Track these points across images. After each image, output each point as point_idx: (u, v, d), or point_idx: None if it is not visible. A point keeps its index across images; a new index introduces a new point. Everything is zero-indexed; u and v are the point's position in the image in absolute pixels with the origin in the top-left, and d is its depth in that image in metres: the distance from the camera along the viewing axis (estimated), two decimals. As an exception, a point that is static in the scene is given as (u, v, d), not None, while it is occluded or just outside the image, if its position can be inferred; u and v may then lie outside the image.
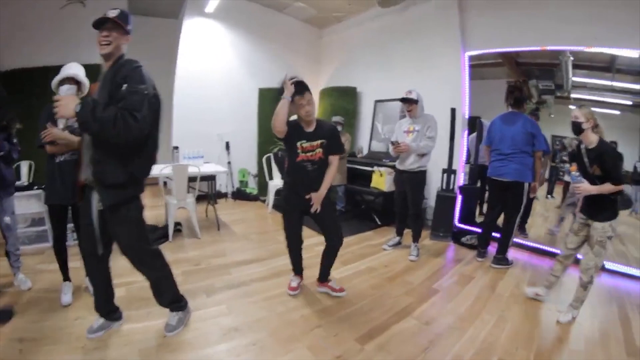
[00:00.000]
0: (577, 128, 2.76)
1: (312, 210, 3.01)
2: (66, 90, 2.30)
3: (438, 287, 3.56)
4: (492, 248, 4.30)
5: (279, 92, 2.80)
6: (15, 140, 3.05)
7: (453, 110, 5.10)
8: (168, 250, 4.01)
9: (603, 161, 2.66)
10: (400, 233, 4.67)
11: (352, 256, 4.32)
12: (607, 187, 2.65)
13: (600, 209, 2.77)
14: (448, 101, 5.29)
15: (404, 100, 4.08)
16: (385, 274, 3.82)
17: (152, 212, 5.76)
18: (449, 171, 5.24)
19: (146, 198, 6.25)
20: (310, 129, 2.99)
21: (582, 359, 2.48)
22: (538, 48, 4.46)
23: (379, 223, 5.71)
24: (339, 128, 5.64)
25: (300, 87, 2.84)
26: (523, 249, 4.72)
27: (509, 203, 4.03)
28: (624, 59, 3.83)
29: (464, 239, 4.91)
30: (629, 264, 3.98)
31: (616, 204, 2.75)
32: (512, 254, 4.29)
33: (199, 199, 5.07)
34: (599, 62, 4.04)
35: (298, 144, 2.95)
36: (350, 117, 6.71)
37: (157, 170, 4.44)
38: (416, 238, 4.38)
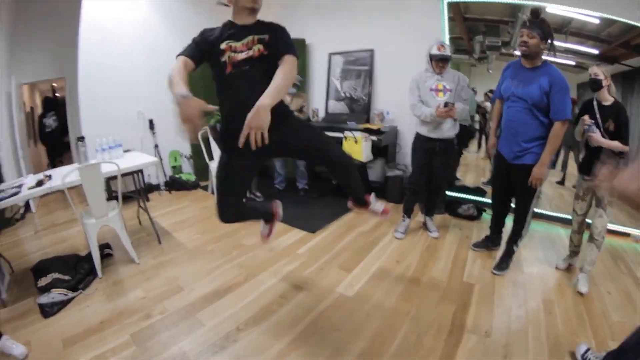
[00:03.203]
0: (597, 85, 2.70)
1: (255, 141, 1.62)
2: None
3: (469, 279, 3.02)
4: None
5: None
6: None
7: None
8: (101, 295, 2.91)
9: (619, 118, 2.65)
10: (410, 214, 3.87)
11: (351, 255, 3.43)
12: (615, 144, 2.65)
13: None
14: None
15: (440, 58, 3.32)
16: (405, 275, 3.07)
17: (68, 232, 4.31)
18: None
19: (53, 213, 4.75)
20: (247, 20, 1.99)
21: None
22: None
23: (357, 200, 4.72)
24: (294, 90, 4.62)
25: None
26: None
27: None
28: (577, 22, 3.87)
29: (461, 210, 4.35)
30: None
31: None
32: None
33: (125, 199, 3.67)
34: (552, 23, 3.83)
35: (223, 45, 1.90)
36: (300, 74, 5.42)
37: (58, 178, 3.10)
38: (433, 212, 3.94)
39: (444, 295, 2.77)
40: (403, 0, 4.84)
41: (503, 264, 3.10)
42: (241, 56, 1.89)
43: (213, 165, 5.06)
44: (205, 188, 5.73)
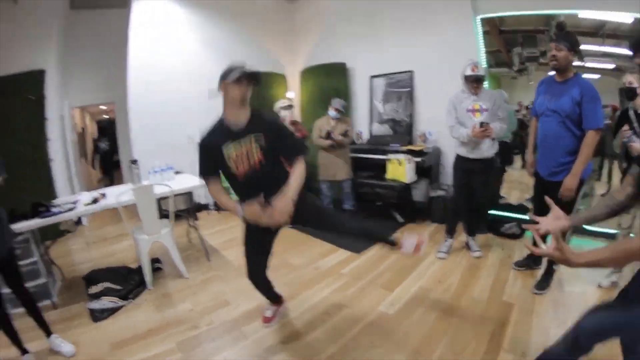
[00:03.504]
0: (632, 93, 2.72)
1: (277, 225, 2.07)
2: None
3: (509, 298, 2.93)
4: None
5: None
6: None
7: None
8: (150, 306, 3.10)
9: None
10: (453, 234, 3.83)
11: (393, 275, 3.42)
12: None
13: None
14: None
15: (474, 79, 3.32)
16: (445, 294, 3.03)
17: (118, 246, 4.64)
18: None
19: (104, 228, 5.07)
20: (240, 121, 2.12)
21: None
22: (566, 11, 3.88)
23: (401, 221, 4.78)
24: (339, 115, 4.75)
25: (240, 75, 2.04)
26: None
27: None
28: (611, 23, 3.76)
29: (503, 229, 4.20)
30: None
31: None
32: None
33: (175, 217, 3.77)
34: (586, 27, 3.93)
35: (224, 151, 2.10)
36: (343, 98, 5.42)
37: (112, 196, 3.39)
38: (475, 232, 3.82)
39: (482, 314, 2.71)
40: (436, 20, 4.88)
41: (544, 283, 2.99)
42: (245, 168, 2.13)
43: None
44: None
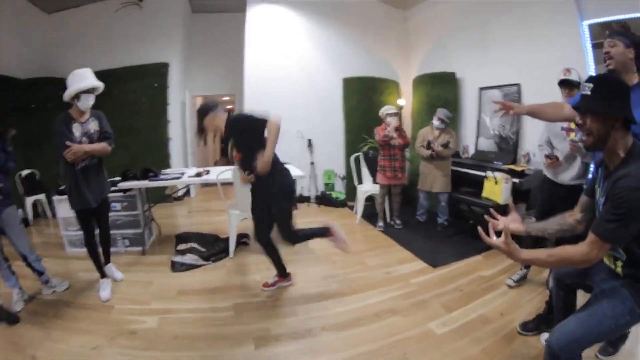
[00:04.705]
0: None
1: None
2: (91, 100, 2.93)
3: None
4: None
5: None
6: (10, 149, 2.94)
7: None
8: (225, 270, 3.64)
9: None
10: (530, 265, 3.50)
11: (459, 296, 3.29)
12: None
13: None
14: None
15: (563, 82, 3.09)
16: (501, 330, 2.74)
17: (217, 218, 5.31)
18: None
19: (209, 202, 5.83)
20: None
21: None
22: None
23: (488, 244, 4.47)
24: (443, 126, 4.76)
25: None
26: None
27: None
28: None
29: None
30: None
31: None
32: None
33: None
34: None
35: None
36: (451, 109, 5.41)
37: (213, 174, 3.98)
38: None
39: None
40: (542, 28, 4.55)
41: (610, 348, 2.45)
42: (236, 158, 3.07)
43: (361, 189, 5.45)
44: (351, 208, 6.11)
